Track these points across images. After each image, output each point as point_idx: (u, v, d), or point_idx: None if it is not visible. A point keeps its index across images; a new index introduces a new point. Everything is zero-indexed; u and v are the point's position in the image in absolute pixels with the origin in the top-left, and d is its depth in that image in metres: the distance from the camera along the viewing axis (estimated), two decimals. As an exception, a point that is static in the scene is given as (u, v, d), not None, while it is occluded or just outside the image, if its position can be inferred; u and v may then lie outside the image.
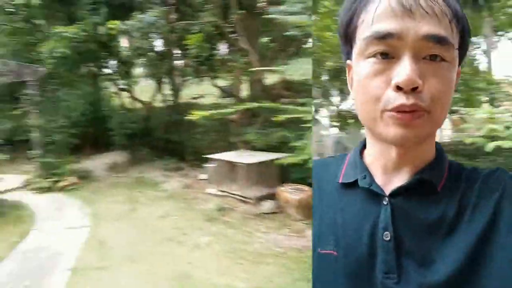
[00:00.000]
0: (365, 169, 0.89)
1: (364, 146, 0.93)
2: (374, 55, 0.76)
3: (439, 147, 0.88)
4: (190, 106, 11.06)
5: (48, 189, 8.15)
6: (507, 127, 6.35)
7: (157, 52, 9.92)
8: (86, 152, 10.19)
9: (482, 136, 5.94)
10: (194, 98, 11.89)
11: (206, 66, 8.71)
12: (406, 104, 0.72)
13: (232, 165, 7.33)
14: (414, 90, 0.72)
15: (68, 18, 8.69)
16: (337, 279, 0.83)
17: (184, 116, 6.41)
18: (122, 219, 6.50)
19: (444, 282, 0.73)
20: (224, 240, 5.41)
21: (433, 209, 0.80)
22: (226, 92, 9.95)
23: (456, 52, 0.77)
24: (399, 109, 0.73)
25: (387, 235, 0.80)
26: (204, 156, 7.92)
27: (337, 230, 0.86)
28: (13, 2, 10.56)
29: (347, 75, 0.90)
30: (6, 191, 7.89)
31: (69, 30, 7.68)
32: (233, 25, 7.88)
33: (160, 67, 10.08)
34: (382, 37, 0.73)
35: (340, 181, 0.91)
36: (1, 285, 4.36)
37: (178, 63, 10.78)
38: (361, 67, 0.78)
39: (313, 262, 0.88)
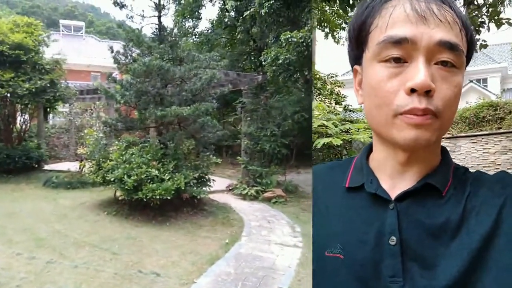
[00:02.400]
0: (371, 174, 0.90)
1: (370, 151, 0.95)
2: (387, 60, 0.78)
3: (444, 151, 0.90)
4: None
5: (254, 198, 8.07)
6: (335, 124, 7.27)
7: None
8: (292, 164, 9.95)
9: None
10: None
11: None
12: (419, 108, 0.74)
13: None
14: (427, 93, 0.74)
15: (292, 22, 8.73)
16: (343, 282, 0.84)
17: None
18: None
19: (447, 287, 0.75)
20: None
21: (438, 214, 0.81)
22: None
23: (464, 59, 0.80)
24: (412, 112, 0.75)
25: (393, 240, 0.81)
26: None
27: (343, 234, 0.87)
28: (231, 15, 11.51)
29: (353, 79, 0.92)
30: (213, 192, 8.14)
31: (297, 35, 7.60)
32: None
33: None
34: (397, 42, 0.76)
35: (347, 185, 0.93)
36: (218, 283, 4.23)
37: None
38: (374, 71, 0.80)
39: (315, 264, 0.90)
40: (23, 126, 10.69)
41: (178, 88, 7.71)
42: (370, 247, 0.83)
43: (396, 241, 0.81)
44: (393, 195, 0.85)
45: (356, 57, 0.89)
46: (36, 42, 10.13)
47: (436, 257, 0.78)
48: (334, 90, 10.29)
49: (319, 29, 11.97)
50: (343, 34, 11.77)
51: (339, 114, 9.39)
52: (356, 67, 0.90)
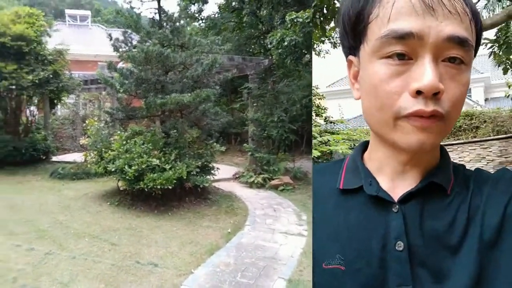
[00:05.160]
0: (370, 175, 0.85)
1: (364, 149, 0.90)
2: (389, 56, 0.71)
3: (442, 149, 0.86)
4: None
5: (261, 186, 8.05)
6: (313, 137, 8.08)
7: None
8: (302, 150, 9.88)
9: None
10: None
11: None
12: (426, 111, 0.69)
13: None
14: (434, 95, 0.69)
15: (299, 2, 8.54)
16: None
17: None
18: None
19: None
20: None
21: (444, 214, 0.77)
22: None
23: (473, 53, 0.74)
24: (417, 115, 0.70)
25: (400, 245, 0.76)
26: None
27: (342, 243, 0.81)
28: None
29: (347, 71, 0.86)
30: (219, 180, 8.15)
31: (303, 15, 7.41)
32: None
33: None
34: (401, 37, 0.69)
35: (340, 187, 0.87)
36: (216, 274, 4.24)
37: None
38: (374, 68, 0.74)
39: (315, 277, 0.83)
40: (30, 118, 10.92)
41: (180, 75, 7.68)
42: (375, 255, 0.78)
43: (404, 246, 0.76)
44: (394, 196, 0.81)
45: (351, 48, 0.82)
46: (38, 33, 10.24)
47: (446, 263, 0.74)
48: (315, 102, 10.39)
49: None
50: (324, 47, 11.95)
51: (319, 126, 9.49)
52: (351, 58, 0.83)
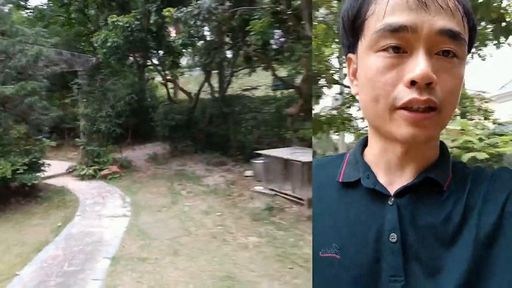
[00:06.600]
0: (368, 168, 0.83)
1: (364, 145, 0.88)
2: (385, 49, 0.71)
3: (442, 145, 0.83)
4: (239, 99, 10.57)
5: (92, 177, 8.08)
6: (480, 139, 7.11)
7: (207, 41, 9.14)
8: (128, 142, 10.16)
9: (458, 147, 6.28)
10: (246, 89, 11.45)
11: (265, 54, 7.98)
12: (420, 99, 0.68)
13: (285, 162, 6.61)
14: (428, 85, 0.68)
15: (121, 7, 8.60)
16: (340, 284, 0.78)
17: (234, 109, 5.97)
18: (163, 211, 6.17)
19: None
20: (273, 242, 4.92)
21: (439, 210, 0.76)
22: (286, 83, 8.77)
23: (466, 48, 0.74)
24: (411, 104, 0.68)
25: (394, 237, 0.75)
26: (255, 152, 7.40)
27: (339, 233, 0.81)
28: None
29: (347, 69, 0.85)
30: (52, 176, 7.83)
31: (123, 20, 7.57)
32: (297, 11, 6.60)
33: (212, 57, 9.35)
34: (395, 30, 0.69)
35: (340, 180, 0.86)
36: (43, 269, 4.20)
37: (229, 53, 10.31)
38: (370, 61, 0.73)
39: (314, 266, 0.83)
40: None
41: (2, 65, 6.94)
42: (369, 246, 0.77)
43: (397, 238, 0.74)
44: (391, 190, 0.79)
45: (350, 46, 0.81)
46: None
47: (439, 258, 0.72)
48: (482, 106, 10.35)
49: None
50: (486, 51, 11.25)
51: (487, 129, 9.28)
52: (350, 55, 0.82)
